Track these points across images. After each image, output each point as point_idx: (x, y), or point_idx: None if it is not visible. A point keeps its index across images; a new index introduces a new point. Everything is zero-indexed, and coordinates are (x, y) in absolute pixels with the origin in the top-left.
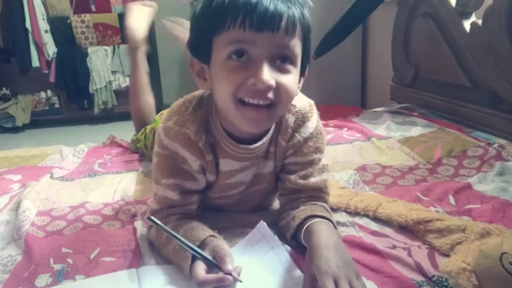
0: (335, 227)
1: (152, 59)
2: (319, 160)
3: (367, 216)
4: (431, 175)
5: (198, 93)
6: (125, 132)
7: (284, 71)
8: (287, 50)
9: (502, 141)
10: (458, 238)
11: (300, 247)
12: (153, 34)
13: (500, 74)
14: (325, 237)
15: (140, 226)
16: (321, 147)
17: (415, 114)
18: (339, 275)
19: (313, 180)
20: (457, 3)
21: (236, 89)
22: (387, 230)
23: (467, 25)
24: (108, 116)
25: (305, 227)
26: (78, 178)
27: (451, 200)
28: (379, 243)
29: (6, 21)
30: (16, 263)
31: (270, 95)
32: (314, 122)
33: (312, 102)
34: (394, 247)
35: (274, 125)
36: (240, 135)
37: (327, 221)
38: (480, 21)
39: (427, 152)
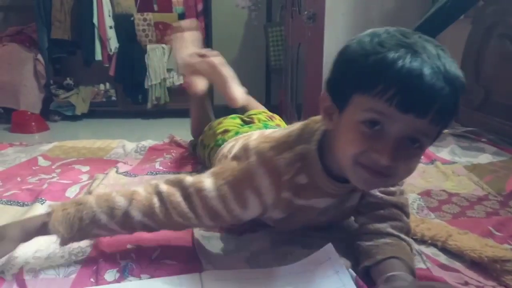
0: (414, 271)
1: None
2: (401, 183)
3: (434, 245)
4: (502, 208)
5: (297, 127)
6: (176, 129)
7: (410, 153)
8: (422, 136)
9: None
10: None
11: (368, 277)
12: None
13: None
14: None
15: (197, 230)
16: None
17: (483, 140)
18: None
19: (394, 198)
20: None
21: (358, 154)
22: (457, 265)
23: None
24: (160, 112)
25: (386, 275)
26: (141, 175)
27: None
28: (449, 278)
29: (76, 16)
30: (86, 254)
31: (388, 170)
32: None
33: None
34: (466, 284)
35: None
36: (338, 174)
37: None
38: None
39: (497, 183)
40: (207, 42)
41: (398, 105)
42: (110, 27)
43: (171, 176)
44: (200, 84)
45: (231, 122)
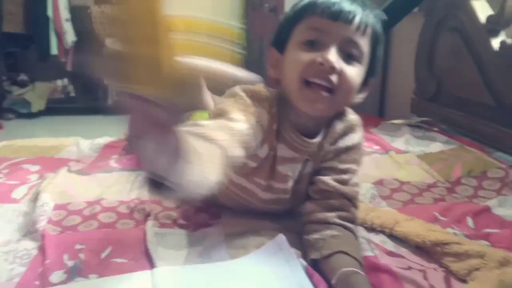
0: (361, 262)
1: None
2: (354, 171)
3: (383, 232)
4: (449, 194)
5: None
6: None
7: (349, 64)
8: (354, 48)
9: None
10: (477, 264)
11: (317, 268)
12: None
13: None
14: None
15: (150, 227)
16: (359, 161)
17: (435, 129)
18: None
19: (346, 188)
20: (487, 20)
21: (303, 69)
22: (402, 250)
23: (495, 43)
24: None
25: (337, 273)
26: (94, 173)
27: (470, 222)
28: (394, 264)
29: (29, 8)
30: (32, 256)
31: (333, 78)
32: (360, 135)
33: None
34: (409, 268)
35: (323, 130)
36: (299, 129)
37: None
38: (510, 40)
39: (446, 170)
40: None
41: (329, 15)
42: (67, 20)
43: None
44: None
45: (201, 116)
